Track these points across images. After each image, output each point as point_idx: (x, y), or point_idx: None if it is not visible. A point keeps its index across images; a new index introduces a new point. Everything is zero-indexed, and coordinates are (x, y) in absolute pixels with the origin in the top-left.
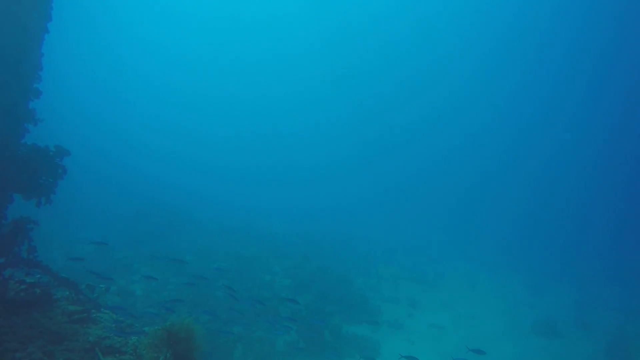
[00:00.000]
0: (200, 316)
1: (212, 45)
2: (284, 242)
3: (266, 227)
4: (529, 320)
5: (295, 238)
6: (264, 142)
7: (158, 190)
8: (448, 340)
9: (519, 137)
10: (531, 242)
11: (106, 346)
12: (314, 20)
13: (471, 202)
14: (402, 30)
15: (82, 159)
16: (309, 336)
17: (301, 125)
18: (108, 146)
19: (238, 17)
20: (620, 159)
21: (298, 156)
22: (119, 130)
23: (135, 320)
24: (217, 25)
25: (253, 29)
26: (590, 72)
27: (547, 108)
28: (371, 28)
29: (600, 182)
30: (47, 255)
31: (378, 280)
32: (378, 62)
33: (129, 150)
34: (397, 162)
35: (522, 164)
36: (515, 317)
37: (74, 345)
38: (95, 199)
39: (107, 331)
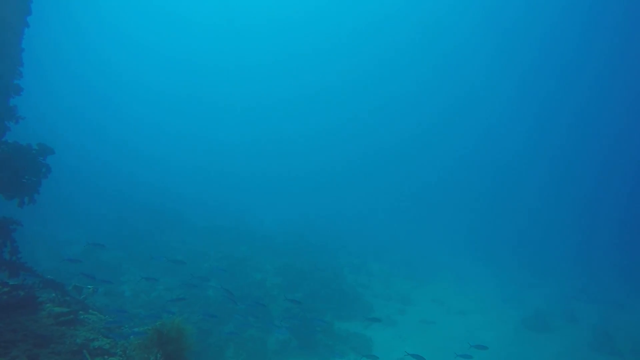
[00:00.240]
0: (191, 316)
1: (204, 47)
2: (275, 241)
3: (258, 227)
4: (519, 314)
5: (287, 237)
6: (257, 146)
7: (145, 191)
8: (438, 335)
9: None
10: (518, 239)
11: (94, 348)
12: (313, 22)
13: (460, 201)
14: (411, 32)
15: (67, 159)
16: (301, 334)
17: (296, 130)
18: (94, 147)
19: (237, 18)
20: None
21: (292, 160)
22: (105, 131)
23: (125, 321)
24: (211, 27)
25: (252, 31)
26: (599, 71)
27: (555, 109)
28: (380, 31)
29: (599, 182)
30: (32, 256)
31: (369, 277)
32: (381, 67)
33: (115, 151)
34: (391, 165)
35: (508, 163)
36: (505, 311)
37: (60, 348)
38: (80, 200)
39: (95, 333)
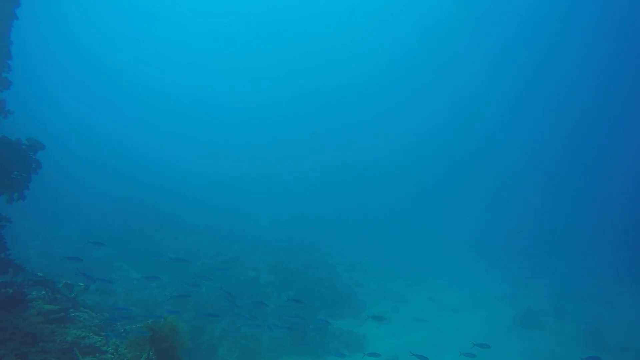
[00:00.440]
0: (184, 313)
1: (204, 49)
2: (269, 240)
3: (253, 226)
4: (511, 312)
5: (281, 235)
6: (254, 147)
7: (139, 189)
8: (432, 333)
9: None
10: (513, 238)
11: (85, 346)
12: (315, 25)
13: (457, 202)
14: (412, 36)
15: (60, 156)
16: (294, 331)
17: (292, 132)
18: (87, 145)
19: (237, 18)
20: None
21: (288, 162)
22: (99, 130)
23: (117, 319)
24: (210, 27)
25: (252, 32)
26: (600, 73)
27: (556, 108)
28: (380, 36)
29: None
30: (22, 254)
31: (363, 275)
32: (380, 71)
33: (109, 149)
34: (389, 166)
35: (502, 165)
36: (498, 309)
37: (50, 346)
38: (72, 197)
39: (86, 331)
